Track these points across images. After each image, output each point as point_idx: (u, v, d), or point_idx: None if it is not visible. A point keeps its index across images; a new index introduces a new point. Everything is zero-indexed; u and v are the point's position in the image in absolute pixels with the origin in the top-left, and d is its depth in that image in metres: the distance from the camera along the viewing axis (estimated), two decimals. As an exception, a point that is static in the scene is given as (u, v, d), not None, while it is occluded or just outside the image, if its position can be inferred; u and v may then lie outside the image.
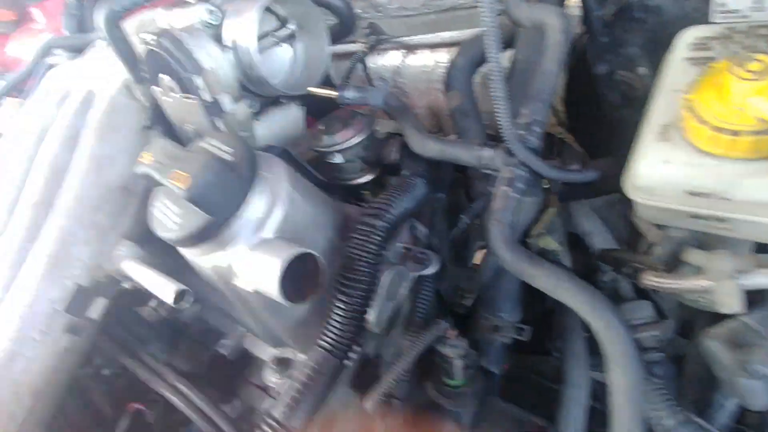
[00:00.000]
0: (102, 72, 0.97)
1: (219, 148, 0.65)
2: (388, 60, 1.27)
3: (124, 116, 0.88)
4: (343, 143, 0.96)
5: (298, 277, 0.61)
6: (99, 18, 0.75)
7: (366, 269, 0.67)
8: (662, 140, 0.66)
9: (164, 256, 0.77)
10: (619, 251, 0.95)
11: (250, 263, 0.62)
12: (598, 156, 1.07)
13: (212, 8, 0.78)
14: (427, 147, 0.81)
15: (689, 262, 0.71)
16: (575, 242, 1.12)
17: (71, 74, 1.06)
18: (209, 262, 0.66)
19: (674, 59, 0.73)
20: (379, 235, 0.69)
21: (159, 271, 0.73)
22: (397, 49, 1.27)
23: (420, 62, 1.22)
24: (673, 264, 0.74)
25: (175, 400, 0.79)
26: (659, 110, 0.70)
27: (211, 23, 0.78)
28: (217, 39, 0.79)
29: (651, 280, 0.71)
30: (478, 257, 1.09)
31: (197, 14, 0.78)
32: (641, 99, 0.93)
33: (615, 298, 1.10)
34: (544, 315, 0.98)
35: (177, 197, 0.60)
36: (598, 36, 0.88)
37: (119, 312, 0.87)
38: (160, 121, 0.88)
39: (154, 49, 0.71)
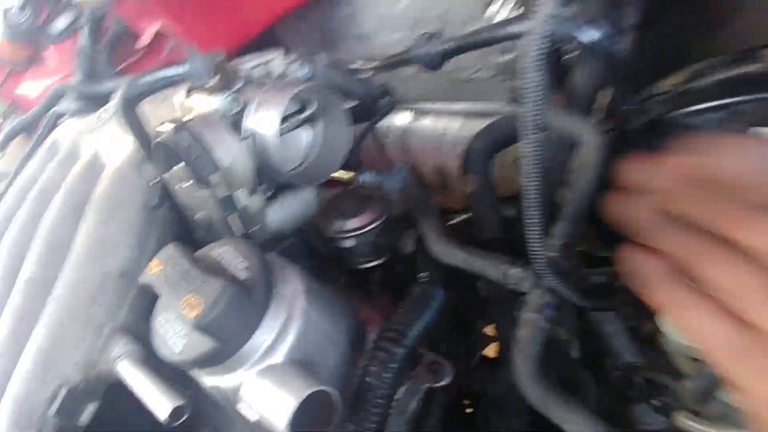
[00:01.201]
0: (111, 138, 0.93)
1: (233, 260, 0.61)
2: (397, 119, 1.26)
3: (130, 192, 0.83)
4: (358, 230, 0.92)
5: (307, 406, 0.56)
6: (115, 101, 0.71)
7: (381, 400, 0.62)
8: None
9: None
10: (644, 369, 0.90)
11: (259, 393, 0.57)
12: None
13: (234, 97, 0.75)
14: (450, 255, 0.76)
15: (726, 401, 0.67)
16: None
17: (79, 133, 1.02)
18: (210, 382, 0.61)
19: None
20: (397, 362, 0.64)
21: (157, 375, 0.68)
22: (407, 109, 1.25)
23: (430, 125, 1.21)
24: (707, 398, 0.70)
25: None
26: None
27: (231, 113, 0.74)
28: (235, 127, 0.76)
29: (687, 424, 0.66)
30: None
31: (217, 102, 0.75)
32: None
33: (625, 398, 1.06)
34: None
35: (184, 318, 0.55)
36: (629, 148, 0.85)
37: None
38: (168, 200, 0.84)
39: (169, 143, 0.67)
